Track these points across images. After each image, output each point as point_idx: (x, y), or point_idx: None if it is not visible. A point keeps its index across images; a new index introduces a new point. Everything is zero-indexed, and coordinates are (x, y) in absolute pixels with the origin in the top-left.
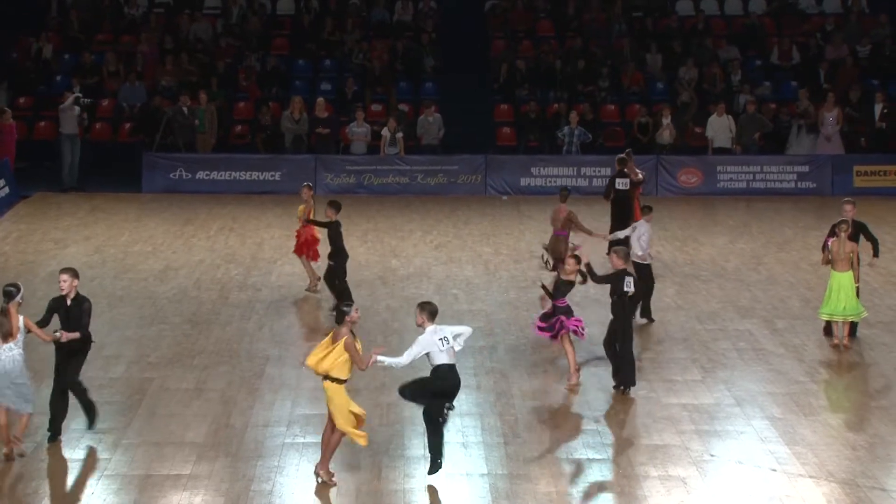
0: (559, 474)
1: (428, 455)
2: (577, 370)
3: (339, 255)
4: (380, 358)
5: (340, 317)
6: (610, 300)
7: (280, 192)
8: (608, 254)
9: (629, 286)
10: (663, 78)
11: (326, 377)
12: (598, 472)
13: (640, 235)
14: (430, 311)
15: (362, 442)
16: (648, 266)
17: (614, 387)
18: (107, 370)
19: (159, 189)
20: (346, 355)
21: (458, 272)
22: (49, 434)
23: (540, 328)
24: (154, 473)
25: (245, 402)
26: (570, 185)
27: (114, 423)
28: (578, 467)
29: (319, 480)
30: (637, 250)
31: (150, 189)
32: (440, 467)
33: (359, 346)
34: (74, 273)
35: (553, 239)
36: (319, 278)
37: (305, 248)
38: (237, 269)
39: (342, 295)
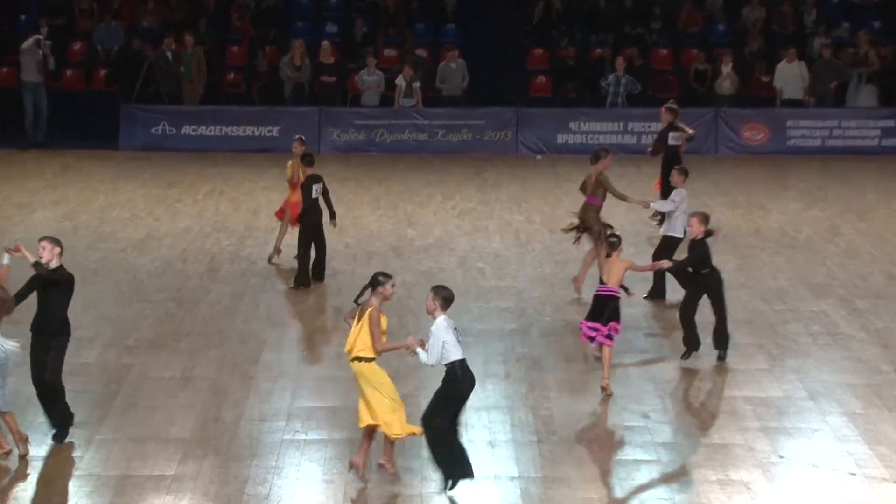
0: (601, 478)
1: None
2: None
3: (305, 214)
4: (419, 351)
5: (374, 285)
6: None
7: (278, 149)
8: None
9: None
10: (724, 18)
11: (355, 358)
12: (647, 476)
13: (680, 204)
14: (444, 298)
15: (412, 431)
16: (678, 241)
17: (682, 355)
18: (79, 355)
19: (139, 146)
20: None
21: (485, 243)
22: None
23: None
24: (133, 474)
25: (238, 393)
26: (615, 142)
27: (87, 415)
28: (624, 470)
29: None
30: (678, 223)
31: (129, 146)
32: (466, 477)
33: (384, 323)
34: (55, 241)
35: (582, 207)
36: (280, 251)
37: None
38: (229, 239)
39: (300, 267)
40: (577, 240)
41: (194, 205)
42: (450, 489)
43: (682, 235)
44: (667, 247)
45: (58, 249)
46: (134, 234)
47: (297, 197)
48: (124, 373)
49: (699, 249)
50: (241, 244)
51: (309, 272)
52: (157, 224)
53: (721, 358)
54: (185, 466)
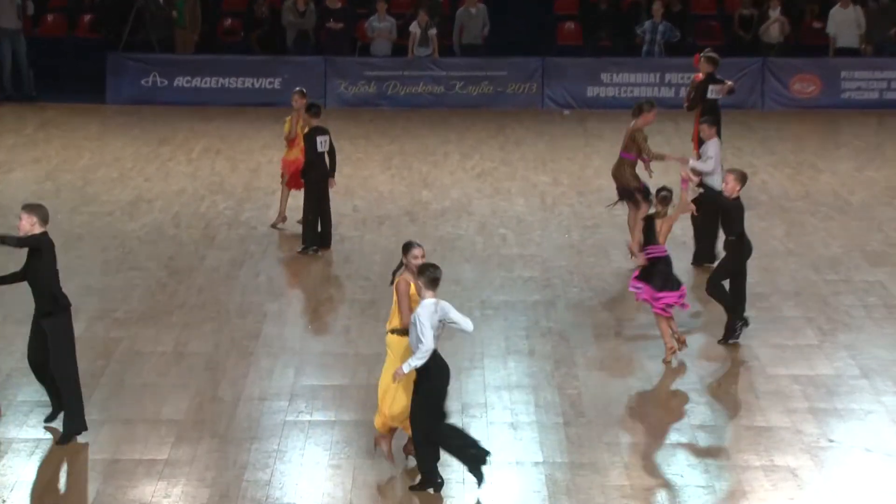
0: (634, 464)
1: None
2: (673, 350)
3: (310, 169)
4: (404, 368)
5: (403, 251)
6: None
7: (280, 103)
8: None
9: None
10: None
11: (390, 330)
12: (685, 461)
13: (714, 156)
14: (430, 278)
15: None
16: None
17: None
18: None
19: (128, 99)
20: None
21: (507, 207)
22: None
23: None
24: (122, 458)
25: (236, 370)
26: (651, 95)
27: None
28: (659, 455)
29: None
30: (718, 178)
31: (117, 99)
32: (483, 461)
33: (413, 291)
34: (31, 209)
35: (616, 163)
36: (285, 218)
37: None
38: (226, 202)
39: (308, 233)
40: (615, 204)
41: (188, 164)
42: (482, 482)
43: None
44: (707, 199)
45: (34, 218)
46: (122, 195)
47: (295, 155)
48: (112, 348)
49: (737, 211)
50: (239, 207)
51: (318, 231)
52: (148, 185)
53: (723, 342)
54: (178, 450)
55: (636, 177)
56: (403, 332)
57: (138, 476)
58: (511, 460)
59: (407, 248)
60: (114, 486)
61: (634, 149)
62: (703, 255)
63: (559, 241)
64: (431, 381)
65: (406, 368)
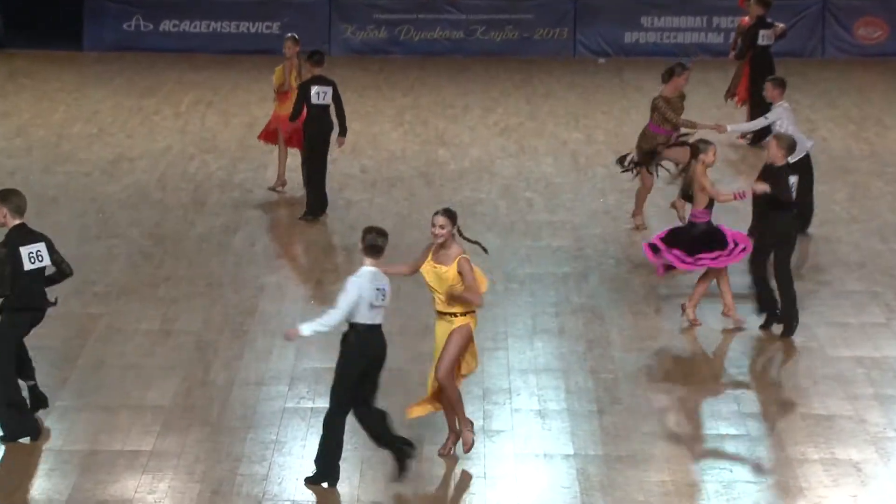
0: (676, 456)
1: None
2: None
3: (309, 123)
4: (301, 329)
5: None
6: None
7: (279, 50)
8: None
9: (793, 189)
10: None
11: (453, 314)
12: (734, 454)
13: (782, 124)
14: (369, 245)
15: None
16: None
17: (761, 326)
18: None
19: (108, 46)
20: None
21: (534, 167)
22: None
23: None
24: (102, 449)
25: (230, 350)
26: (696, 41)
27: (45, 378)
28: (705, 447)
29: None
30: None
31: (95, 46)
32: (324, 481)
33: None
34: (9, 199)
35: (642, 133)
36: (285, 182)
37: (298, 139)
38: (219, 162)
39: (313, 194)
40: (636, 172)
41: (176, 118)
42: (310, 482)
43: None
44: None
45: (4, 209)
46: (102, 154)
47: (286, 109)
48: (90, 325)
49: (782, 181)
50: (233, 168)
51: (324, 196)
52: (130, 142)
53: (764, 326)
54: (164, 441)
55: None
56: (467, 311)
57: (119, 469)
58: (538, 452)
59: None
60: (92, 481)
61: (659, 120)
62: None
63: (593, 205)
64: (349, 357)
65: (305, 331)
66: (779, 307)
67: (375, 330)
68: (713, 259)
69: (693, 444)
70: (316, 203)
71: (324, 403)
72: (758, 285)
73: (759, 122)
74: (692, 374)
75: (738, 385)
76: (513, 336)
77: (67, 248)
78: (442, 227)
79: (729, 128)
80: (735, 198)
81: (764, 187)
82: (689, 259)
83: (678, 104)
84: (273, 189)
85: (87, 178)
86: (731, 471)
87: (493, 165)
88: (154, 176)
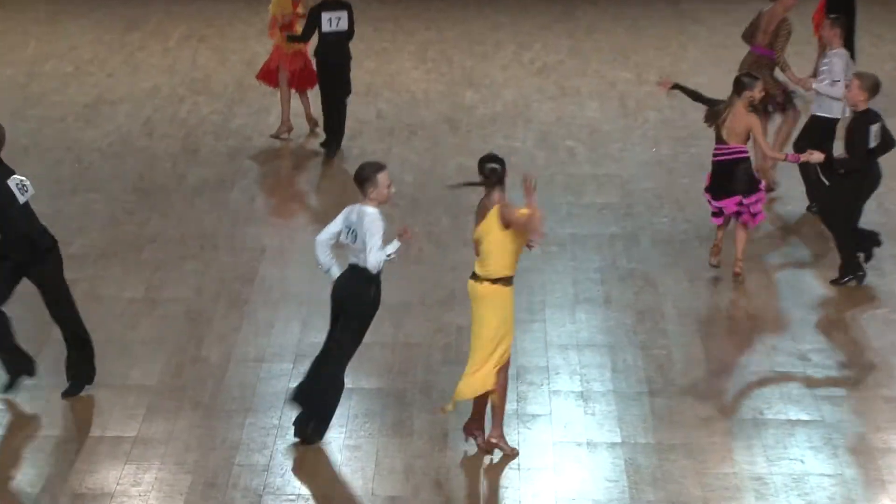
0: (739, 446)
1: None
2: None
3: (321, 50)
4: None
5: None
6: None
7: None
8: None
9: (876, 138)
10: None
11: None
12: (806, 442)
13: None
14: (357, 175)
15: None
16: (834, 123)
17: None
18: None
19: None
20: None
21: (576, 112)
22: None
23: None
24: (79, 434)
25: (225, 322)
26: None
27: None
28: (772, 435)
29: (491, 458)
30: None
31: None
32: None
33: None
34: None
35: (748, 60)
36: (291, 128)
37: (303, 79)
38: (213, 105)
39: (332, 136)
40: (766, 113)
41: (164, 55)
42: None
43: (839, 117)
44: (816, 131)
45: None
46: (79, 96)
47: (291, 47)
48: None
49: (861, 130)
50: (229, 112)
51: (342, 127)
52: (112, 82)
53: (839, 282)
54: (150, 426)
55: (776, 81)
56: (508, 280)
57: (99, 457)
58: (580, 440)
59: (486, 163)
60: (68, 472)
61: (768, 42)
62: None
63: (644, 156)
64: (365, 309)
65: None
66: (873, 244)
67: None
68: (737, 204)
69: (758, 431)
70: (333, 139)
71: None
72: (855, 236)
73: (838, 88)
74: (756, 351)
75: (810, 363)
76: (551, 306)
77: (39, 204)
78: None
79: (814, 85)
80: (788, 159)
81: (819, 156)
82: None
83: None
84: (277, 137)
85: (61, 124)
86: (803, 462)
87: (528, 110)
88: (139, 121)
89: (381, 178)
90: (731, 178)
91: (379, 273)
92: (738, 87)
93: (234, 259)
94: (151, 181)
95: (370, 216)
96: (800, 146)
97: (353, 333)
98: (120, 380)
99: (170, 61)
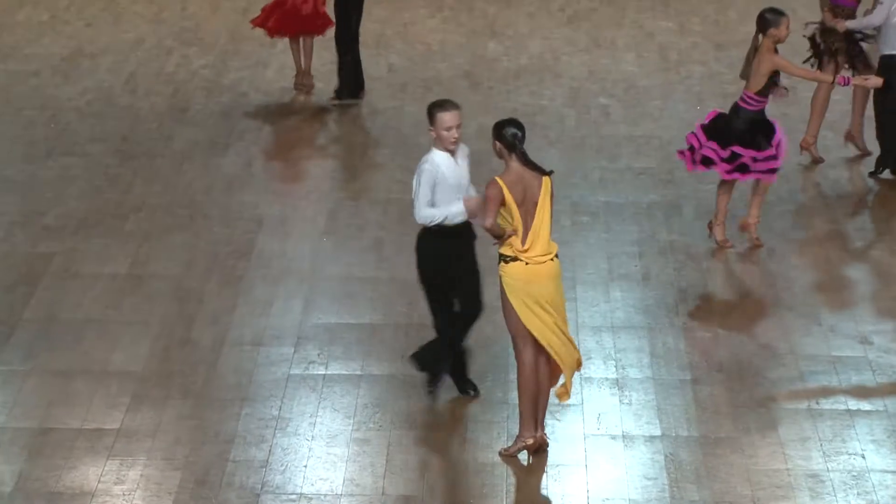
0: (792, 439)
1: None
2: (722, 225)
3: None
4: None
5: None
6: None
7: None
8: None
9: None
10: None
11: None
12: (868, 435)
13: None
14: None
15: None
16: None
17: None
18: None
19: None
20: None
21: (611, 66)
22: None
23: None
24: (55, 426)
25: (219, 301)
26: None
27: None
28: (829, 427)
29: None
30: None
31: None
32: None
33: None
34: None
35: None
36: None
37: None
38: (203, 58)
39: (345, 69)
40: (835, 68)
41: (149, 2)
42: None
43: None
44: (887, 71)
45: None
46: (54, 48)
47: None
48: (40, 267)
49: None
50: (223, 66)
51: (360, 72)
52: (91, 33)
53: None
54: (136, 416)
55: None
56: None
57: (78, 452)
58: (615, 433)
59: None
60: (43, 468)
61: None
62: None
63: (687, 116)
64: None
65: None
66: None
67: None
68: (752, 160)
69: (814, 422)
70: (349, 78)
71: (341, 370)
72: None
73: (879, 14)
74: (812, 333)
75: (872, 347)
76: (583, 283)
77: (10, 169)
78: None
79: (848, 24)
80: (839, 82)
81: (876, 81)
82: (722, 153)
83: None
84: (297, 88)
85: (35, 79)
86: (864, 457)
87: (557, 64)
88: (121, 77)
89: (442, 117)
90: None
91: (438, 229)
92: (762, 24)
93: (229, 230)
94: (135, 143)
95: (420, 163)
96: (877, 98)
97: (425, 294)
98: (101, 365)
99: (155, 9)
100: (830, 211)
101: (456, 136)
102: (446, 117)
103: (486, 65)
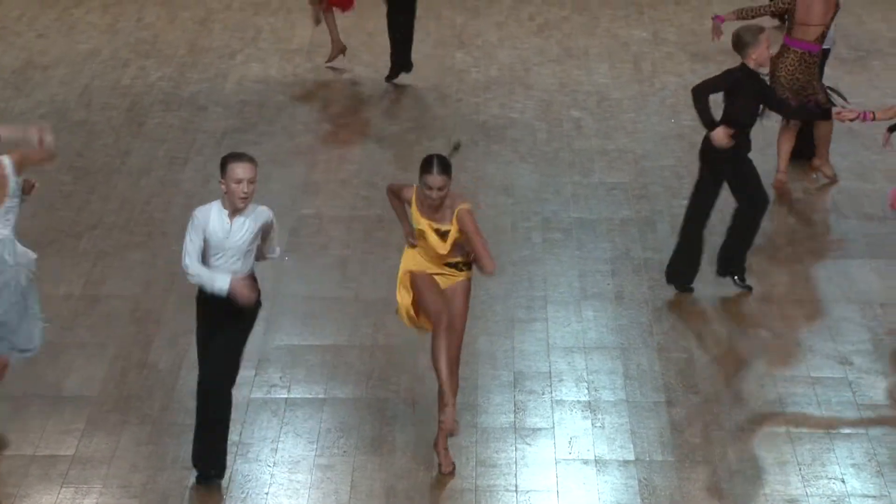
0: (770, 463)
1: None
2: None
3: None
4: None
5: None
6: None
7: None
8: None
9: None
10: None
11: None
12: (847, 459)
13: None
14: None
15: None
16: None
17: None
18: None
19: None
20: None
21: (583, 77)
22: None
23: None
24: (8, 453)
25: (177, 322)
26: None
27: None
28: (808, 451)
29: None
30: None
31: None
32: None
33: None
34: None
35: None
36: (344, 48)
37: None
38: (162, 69)
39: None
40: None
41: (103, 12)
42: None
43: None
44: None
45: None
46: (4, 60)
47: None
48: None
49: None
50: (181, 77)
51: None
52: (43, 44)
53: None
54: (90, 442)
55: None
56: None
57: (31, 479)
58: (588, 458)
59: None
60: None
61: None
62: None
63: (662, 128)
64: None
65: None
66: None
67: None
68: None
69: (792, 445)
70: (402, 59)
71: (304, 393)
72: None
73: None
74: (791, 353)
75: (852, 367)
76: (554, 303)
77: None
78: (441, 188)
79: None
80: (861, 118)
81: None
82: None
83: None
84: (330, 63)
85: None
86: (843, 481)
87: (528, 75)
88: (75, 90)
89: (234, 168)
90: None
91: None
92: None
93: None
94: (91, 159)
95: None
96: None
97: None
98: (54, 390)
99: (110, 20)
100: (809, 230)
101: (246, 190)
102: (238, 169)
103: (454, 76)
